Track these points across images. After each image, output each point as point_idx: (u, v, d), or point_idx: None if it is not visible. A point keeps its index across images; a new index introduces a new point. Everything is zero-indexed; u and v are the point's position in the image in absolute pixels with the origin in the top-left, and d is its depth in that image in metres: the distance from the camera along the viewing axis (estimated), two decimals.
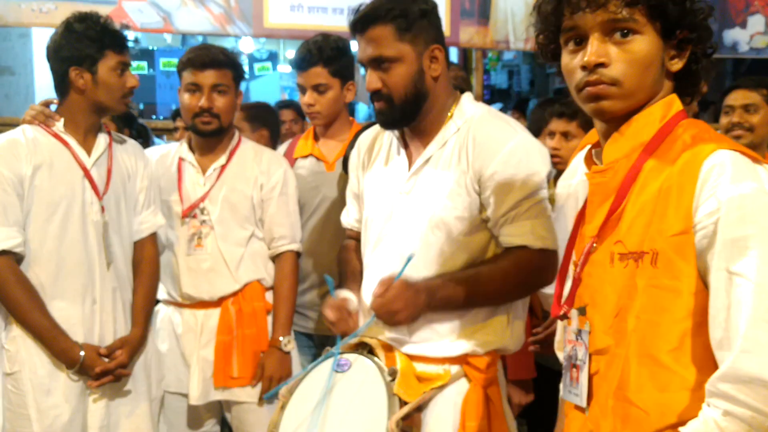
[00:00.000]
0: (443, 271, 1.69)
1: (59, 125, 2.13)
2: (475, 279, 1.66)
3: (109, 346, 2.11)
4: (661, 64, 1.17)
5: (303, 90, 2.51)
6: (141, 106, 7.76)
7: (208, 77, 2.32)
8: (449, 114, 1.75)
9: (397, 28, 1.67)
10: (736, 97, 2.58)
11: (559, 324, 1.36)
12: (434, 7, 1.75)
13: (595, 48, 1.14)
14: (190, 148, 2.45)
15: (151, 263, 2.28)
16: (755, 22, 5.34)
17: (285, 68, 8.82)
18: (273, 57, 8.78)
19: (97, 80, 2.09)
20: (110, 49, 2.09)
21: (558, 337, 1.43)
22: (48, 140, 2.10)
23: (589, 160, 1.29)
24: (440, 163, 1.72)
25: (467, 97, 1.79)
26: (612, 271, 1.15)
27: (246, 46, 7.89)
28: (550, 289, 1.93)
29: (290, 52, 8.66)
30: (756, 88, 2.56)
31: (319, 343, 2.58)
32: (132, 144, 2.33)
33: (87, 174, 2.12)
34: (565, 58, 1.19)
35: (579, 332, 1.21)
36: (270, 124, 3.40)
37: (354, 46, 1.93)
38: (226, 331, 2.34)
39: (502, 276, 1.67)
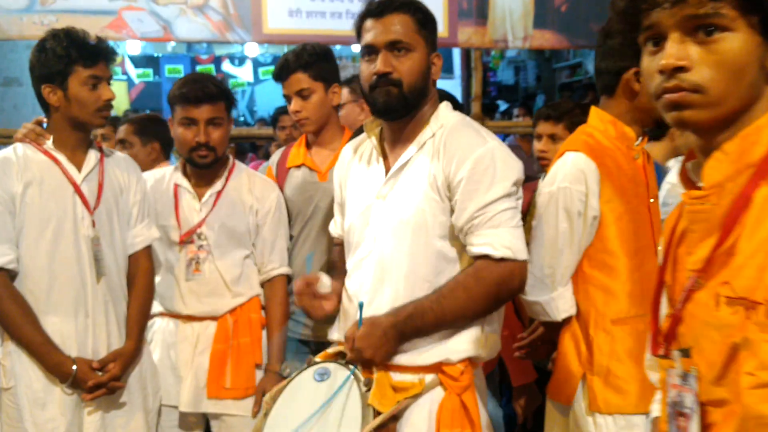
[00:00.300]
0: (418, 277, 1.72)
1: (49, 143, 2.16)
2: (439, 301, 1.68)
3: (101, 360, 2.14)
4: (760, 65, 0.99)
5: (289, 100, 2.54)
6: (147, 113, 7.81)
7: (204, 112, 2.34)
8: (428, 121, 1.79)
9: (417, 20, 1.73)
10: None
11: (652, 359, 1.19)
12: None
13: (673, 50, 0.98)
14: (185, 173, 2.48)
15: (146, 276, 2.31)
16: None
17: None
18: (277, 60, 8.81)
19: (68, 96, 2.11)
20: (78, 64, 2.10)
21: (651, 366, 1.24)
22: (38, 157, 2.14)
23: (684, 177, 1.11)
24: (415, 168, 1.75)
25: (445, 105, 1.82)
26: (718, 315, 1.00)
27: (251, 51, 7.91)
28: (531, 297, 1.95)
29: None
30: None
31: (315, 349, 2.60)
32: (124, 159, 2.35)
33: (77, 189, 2.15)
34: (645, 61, 1.05)
35: (685, 376, 1.06)
36: (161, 136, 3.31)
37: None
38: (222, 339, 2.38)
39: (464, 291, 1.68)
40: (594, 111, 2.05)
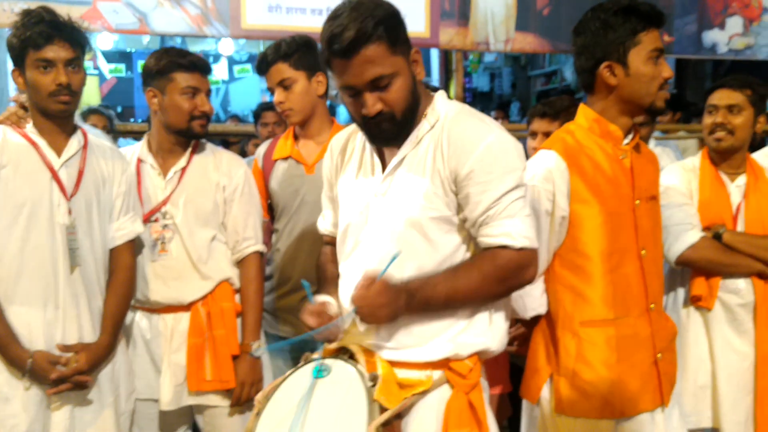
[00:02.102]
0: (421, 272, 1.65)
1: (29, 126, 2.09)
2: (453, 279, 1.62)
3: (65, 347, 2.04)
4: None
5: (272, 92, 2.48)
6: (119, 110, 7.65)
7: (205, 82, 2.32)
8: (424, 114, 1.70)
9: (389, 42, 1.57)
10: (720, 97, 2.52)
11: None
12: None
13: None
14: (150, 149, 2.40)
15: (126, 271, 2.22)
16: (733, 23, 5.35)
17: None
18: (253, 59, 8.68)
19: (27, 81, 2.05)
20: (30, 47, 2.01)
21: None
22: (17, 141, 2.07)
23: None
24: (415, 162, 1.68)
25: (441, 95, 1.74)
26: None
27: (226, 48, 7.79)
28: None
29: None
30: (740, 88, 2.51)
31: (298, 347, 2.54)
32: (111, 148, 2.27)
33: (54, 175, 2.07)
34: None
35: None
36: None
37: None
38: (197, 333, 2.30)
39: (481, 276, 1.62)
40: (581, 109, 2.02)
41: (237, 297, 2.39)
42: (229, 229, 2.38)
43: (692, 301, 2.47)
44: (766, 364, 2.40)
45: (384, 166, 1.73)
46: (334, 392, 1.58)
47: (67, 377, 2.02)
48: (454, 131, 1.64)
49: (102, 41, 7.10)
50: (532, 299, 1.92)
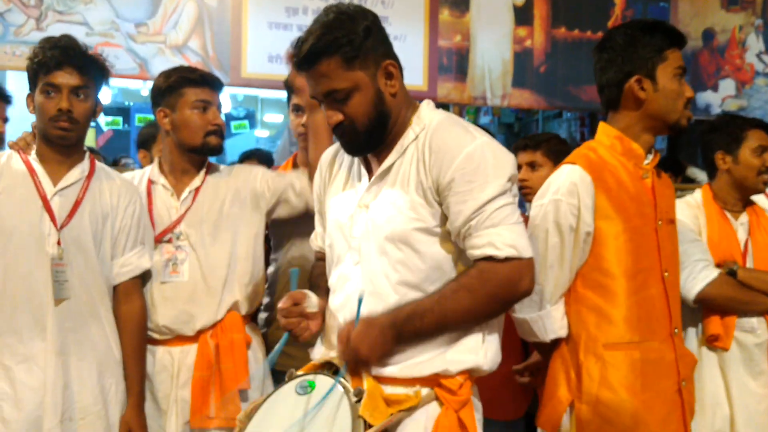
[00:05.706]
0: (409, 287, 1.59)
1: (33, 153, 2.08)
2: (441, 304, 1.54)
3: None
4: None
5: (297, 109, 2.38)
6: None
7: (216, 96, 2.32)
8: (409, 123, 1.66)
9: (344, 58, 1.57)
10: (766, 138, 2.46)
11: None
12: (375, 19, 1.63)
13: None
14: (161, 171, 2.33)
15: (138, 319, 2.14)
16: (726, 85, 5.45)
17: (262, 133, 8.82)
18: (250, 116, 8.76)
19: (35, 105, 2.04)
20: (41, 72, 2.01)
21: None
22: (18, 167, 2.05)
23: None
24: (400, 173, 1.63)
25: (426, 105, 1.71)
26: None
27: (223, 105, 7.87)
28: (518, 314, 1.83)
29: (268, 116, 8.66)
30: None
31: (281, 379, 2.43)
32: (122, 182, 2.20)
33: (46, 203, 2.02)
34: None
35: None
36: None
37: None
38: (204, 366, 2.19)
39: (470, 295, 1.54)
40: (601, 126, 1.98)
41: (247, 327, 2.29)
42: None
43: (708, 341, 2.36)
44: None
45: (370, 177, 1.69)
46: (319, 409, 1.50)
47: None
48: (436, 139, 1.60)
49: (101, 95, 7.14)
50: (552, 321, 1.84)
